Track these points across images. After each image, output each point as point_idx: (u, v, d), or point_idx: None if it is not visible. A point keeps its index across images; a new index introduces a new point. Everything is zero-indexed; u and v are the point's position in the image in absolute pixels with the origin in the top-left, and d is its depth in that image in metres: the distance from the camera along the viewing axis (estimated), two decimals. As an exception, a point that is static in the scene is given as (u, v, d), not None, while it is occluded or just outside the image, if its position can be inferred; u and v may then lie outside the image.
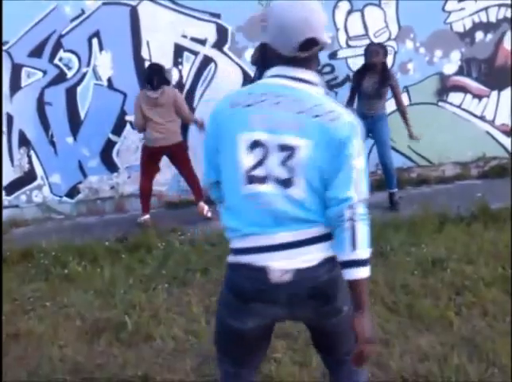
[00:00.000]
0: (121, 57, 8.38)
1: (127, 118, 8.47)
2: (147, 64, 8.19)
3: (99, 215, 8.63)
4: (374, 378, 3.67)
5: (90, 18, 8.26)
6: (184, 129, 8.15)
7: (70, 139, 8.59)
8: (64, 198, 8.78)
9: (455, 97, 9.00)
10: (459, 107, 9.03)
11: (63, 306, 5.37)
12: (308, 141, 2.33)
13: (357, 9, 8.56)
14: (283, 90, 2.40)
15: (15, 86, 8.37)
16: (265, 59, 7.08)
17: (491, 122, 9.13)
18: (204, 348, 4.32)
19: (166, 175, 8.51)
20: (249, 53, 8.16)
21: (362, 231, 2.36)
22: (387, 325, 4.50)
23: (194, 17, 8.38)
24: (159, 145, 7.57)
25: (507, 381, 3.74)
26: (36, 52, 8.29)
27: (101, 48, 8.34)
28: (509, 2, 8.76)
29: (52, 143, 8.58)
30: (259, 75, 7.10)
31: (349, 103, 7.43)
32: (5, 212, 8.48)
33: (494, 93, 9.05)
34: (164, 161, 8.01)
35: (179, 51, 8.47)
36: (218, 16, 8.41)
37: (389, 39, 8.68)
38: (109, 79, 8.44)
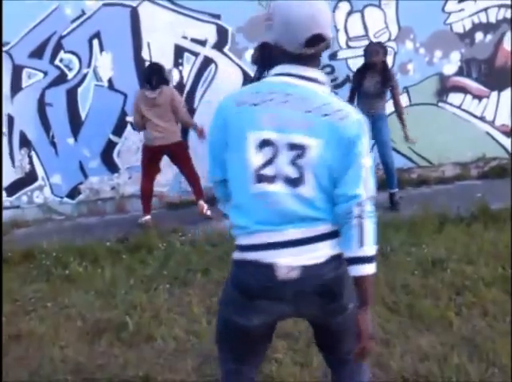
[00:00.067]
0: (121, 58, 8.39)
1: (128, 118, 8.48)
2: (147, 64, 8.21)
3: (100, 215, 8.64)
4: (374, 378, 3.67)
5: (90, 19, 8.28)
6: (185, 129, 8.17)
7: (71, 140, 8.60)
8: (65, 199, 8.79)
9: (455, 98, 9.01)
10: (459, 107, 9.04)
11: (64, 307, 5.38)
12: (317, 140, 2.34)
13: (357, 9, 8.57)
14: (290, 88, 2.40)
15: (16, 87, 8.39)
16: (265, 58, 7.17)
17: (491, 123, 9.14)
18: (205, 349, 4.33)
19: (167, 176, 8.52)
20: (249, 54, 8.15)
21: (370, 229, 2.39)
22: (388, 325, 4.50)
23: (194, 17, 8.40)
24: (158, 144, 7.58)
25: (507, 381, 3.75)
26: (37, 53, 8.31)
27: (101, 49, 8.36)
28: (509, 3, 8.77)
29: (53, 144, 8.60)
30: (259, 75, 7.11)
31: (349, 103, 7.42)
32: (7, 213, 8.49)
33: (494, 94, 9.06)
34: (165, 162, 8.03)
35: (179, 52, 8.48)
36: (218, 17, 8.42)
37: (389, 40, 8.69)
38: (109, 80, 8.46)
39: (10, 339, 4.76)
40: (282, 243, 2.39)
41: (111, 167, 8.77)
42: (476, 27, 8.85)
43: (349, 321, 2.54)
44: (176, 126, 7.69)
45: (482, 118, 9.11)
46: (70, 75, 8.42)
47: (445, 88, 8.96)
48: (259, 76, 7.06)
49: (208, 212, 7.71)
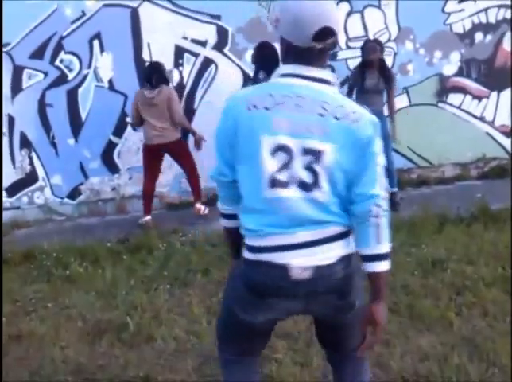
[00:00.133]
0: (122, 59, 8.41)
1: (128, 119, 8.48)
2: (148, 63, 8.23)
3: (101, 216, 8.65)
4: (375, 378, 3.67)
5: (90, 20, 8.30)
6: (185, 130, 8.19)
7: (71, 141, 8.61)
8: (66, 199, 8.80)
9: (454, 98, 9.02)
10: (458, 107, 9.05)
11: (64, 307, 5.38)
12: (332, 145, 2.35)
13: (357, 10, 8.59)
14: (302, 91, 2.37)
15: (16, 88, 8.40)
16: (264, 58, 7.15)
17: (491, 123, 9.15)
18: (205, 349, 4.33)
19: (167, 176, 8.54)
20: (249, 54, 8.16)
21: (385, 227, 2.44)
22: (388, 326, 4.50)
23: (194, 18, 8.41)
24: (156, 142, 7.61)
25: (508, 381, 3.75)
26: (37, 54, 8.32)
27: (102, 50, 8.37)
28: (508, 3, 8.78)
29: (54, 145, 8.61)
30: (256, 74, 7.12)
31: None
32: (7, 214, 8.50)
33: (494, 94, 9.07)
34: (166, 163, 8.04)
35: (179, 52, 8.49)
36: (218, 17, 8.44)
37: (388, 40, 8.70)
38: (110, 81, 8.47)
39: (11, 339, 4.76)
40: (295, 245, 2.42)
41: (112, 168, 8.78)
42: (476, 27, 8.86)
43: (356, 318, 2.60)
44: (173, 125, 7.70)
45: (481, 119, 9.13)
46: (70, 75, 8.43)
47: (445, 89, 8.98)
48: (257, 76, 7.09)
49: (206, 211, 7.74)
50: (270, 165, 2.37)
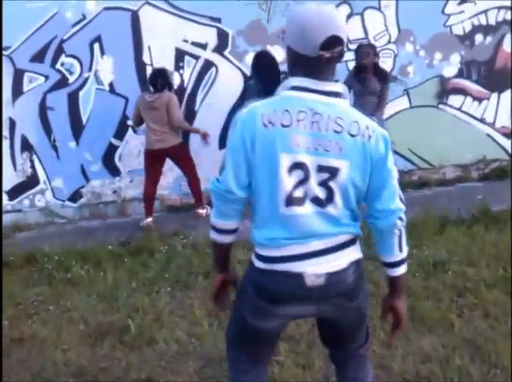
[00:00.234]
0: (122, 62, 8.41)
1: (129, 122, 8.49)
2: (148, 68, 8.31)
3: (102, 219, 8.65)
4: (376, 380, 3.67)
5: (91, 23, 8.30)
6: (186, 132, 8.20)
7: (72, 144, 8.62)
8: (67, 202, 8.80)
9: (455, 100, 9.02)
10: (459, 109, 9.05)
11: (66, 310, 5.38)
12: (348, 162, 2.39)
13: (357, 12, 8.59)
14: (318, 107, 2.38)
15: (17, 91, 8.41)
16: (263, 67, 7.18)
17: (491, 125, 9.15)
18: (207, 351, 4.34)
19: (168, 179, 8.54)
20: (249, 57, 8.18)
21: (405, 235, 2.62)
22: (389, 327, 4.50)
23: (195, 21, 8.41)
24: (157, 147, 7.67)
25: (509, 382, 3.76)
26: (38, 57, 8.32)
27: (102, 53, 8.38)
28: (508, 5, 8.78)
29: (55, 148, 8.61)
30: (257, 85, 7.15)
31: None
32: (8, 217, 8.50)
33: (494, 95, 9.08)
34: (167, 165, 8.06)
35: (180, 55, 8.50)
36: (218, 20, 8.44)
37: (389, 42, 8.71)
38: (110, 84, 8.48)
39: (13, 342, 4.77)
40: (308, 254, 2.48)
41: (113, 171, 8.79)
42: (476, 29, 8.87)
43: (362, 318, 2.77)
44: (173, 129, 7.72)
45: (482, 120, 9.13)
46: (71, 79, 8.44)
47: (445, 90, 8.98)
48: (257, 86, 7.12)
49: (209, 213, 7.75)
50: (287, 182, 2.40)
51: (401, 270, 2.66)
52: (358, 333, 2.84)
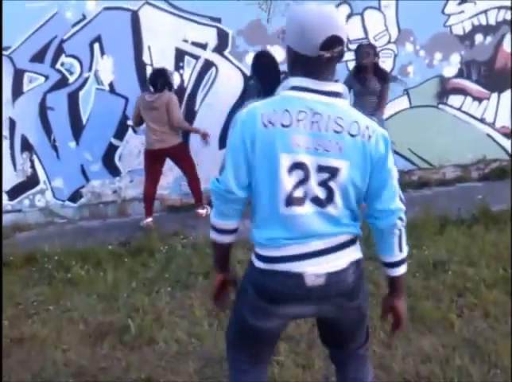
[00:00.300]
0: (122, 62, 8.41)
1: (129, 122, 8.49)
2: (148, 68, 8.31)
3: (102, 219, 8.65)
4: (376, 380, 3.67)
5: (91, 23, 8.30)
6: (186, 132, 8.21)
7: (72, 144, 8.62)
8: (67, 202, 8.80)
9: (455, 100, 9.02)
10: (459, 109, 9.05)
11: (66, 310, 5.38)
12: (348, 162, 2.40)
13: (357, 12, 8.58)
14: (318, 107, 2.38)
15: (17, 91, 8.41)
16: (263, 67, 7.19)
17: (491, 125, 9.15)
18: (207, 351, 4.34)
19: (168, 179, 8.54)
20: (249, 57, 8.18)
21: (405, 235, 2.63)
22: (389, 327, 4.50)
23: (195, 21, 8.41)
24: (157, 147, 7.68)
25: (509, 382, 3.76)
26: (38, 57, 8.32)
27: (102, 53, 8.38)
28: (508, 5, 8.78)
29: (55, 148, 8.61)
30: (257, 85, 7.16)
31: None
32: (8, 217, 8.50)
33: (494, 95, 9.07)
34: (167, 165, 8.06)
35: (180, 55, 8.50)
36: (218, 20, 8.44)
37: (389, 42, 8.71)
38: (110, 84, 8.48)
39: (13, 342, 4.77)
40: (308, 254, 2.48)
41: (113, 171, 8.79)
42: (476, 29, 8.87)
43: (362, 318, 2.78)
44: (173, 129, 7.73)
45: (482, 120, 9.13)
46: (71, 79, 8.44)
47: (445, 90, 8.98)
48: (257, 86, 7.13)
49: (209, 213, 7.76)
50: (287, 182, 2.40)
51: (401, 270, 2.66)
52: (358, 333, 2.84)
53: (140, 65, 8.44)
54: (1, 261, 6.37)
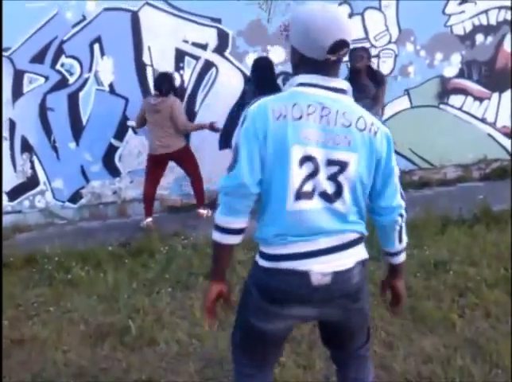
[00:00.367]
0: (122, 62, 8.40)
1: (129, 123, 8.49)
2: (149, 69, 8.29)
3: (102, 220, 8.64)
4: (377, 380, 3.67)
5: (91, 24, 8.29)
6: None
7: (72, 144, 8.61)
8: (67, 203, 8.80)
9: (456, 100, 9.01)
10: (460, 109, 9.04)
11: (66, 311, 5.38)
12: (356, 155, 2.42)
13: (357, 12, 8.57)
14: (326, 101, 2.40)
15: (17, 92, 8.40)
16: (263, 70, 7.20)
17: (492, 125, 9.14)
18: (208, 352, 4.34)
19: (168, 179, 8.52)
20: (249, 58, 8.18)
21: (404, 228, 2.73)
22: (390, 328, 4.50)
23: (195, 21, 8.40)
24: (161, 152, 7.70)
25: (511, 382, 3.75)
26: (38, 58, 8.32)
27: (102, 54, 8.37)
28: (509, 5, 8.78)
29: (55, 149, 8.60)
30: (253, 89, 7.17)
31: None
32: (8, 218, 8.50)
33: (495, 95, 9.07)
34: (167, 166, 8.05)
35: (180, 56, 8.49)
36: (218, 21, 8.43)
37: (389, 42, 8.70)
38: (111, 85, 8.47)
39: (13, 343, 4.76)
40: (315, 252, 2.48)
41: (113, 171, 8.78)
42: (477, 29, 8.86)
43: (364, 318, 2.79)
44: (177, 133, 7.73)
45: (483, 120, 9.12)
46: (71, 79, 8.43)
47: (446, 90, 8.97)
48: (256, 87, 7.15)
49: (210, 214, 7.77)
50: (297, 175, 2.39)
51: (401, 258, 2.80)
52: (359, 334, 2.84)
53: (140, 66, 8.44)
54: (1, 262, 6.37)
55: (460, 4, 8.74)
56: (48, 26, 8.23)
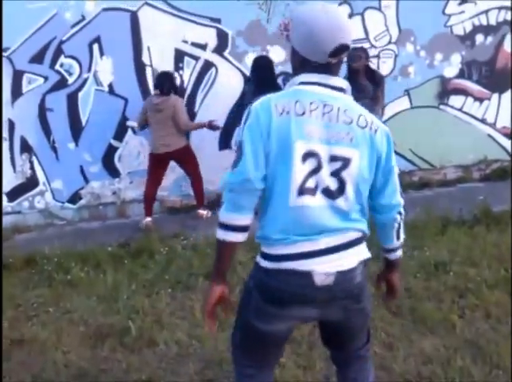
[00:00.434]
0: (122, 63, 8.40)
1: (129, 123, 8.48)
2: (148, 69, 8.33)
3: (101, 220, 8.63)
4: (377, 380, 3.66)
5: (90, 24, 8.29)
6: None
7: (72, 145, 8.60)
8: (66, 204, 8.79)
9: (456, 100, 9.01)
10: (460, 110, 9.04)
11: (66, 312, 5.37)
12: (358, 152, 2.44)
13: (357, 12, 8.57)
14: (328, 99, 2.43)
15: (16, 92, 8.39)
16: (263, 69, 7.20)
17: (492, 125, 9.14)
18: (208, 353, 4.33)
19: (168, 180, 8.51)
20: (249, 58, 8.17)
21: (402, 225, 2.76)
22: (390, 329, 4.49)
23: (194, 22, 8.40)
24: (163, 151, 7.70)
25: (511, 383, 3.75)
26: (37, 59, 8.31)
27: (102, 54, 8.36)
28: (509, 5, 8.77)
29: (54, 149, 8.59)
30: (253, 89, 7.16)
31: None
32: (8, 219, 8.49)
33: (495, 96, 9.06)
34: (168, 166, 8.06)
35: (179, 56, 8.48)
36: (218, 21, 8.42)
37: (389, 42, 8.70)
38: (110, 85, 8.46)
39: (13, 344, 4.75)
40: (317, 251, 2.47)
41: (112, 172, 8.77)
42: (477, 29, 8.86)
43: (365, 319, 2.79)
44: (179, 132, 7.73)
45: (483, 121, 9.12)
46: (70, 80, 8.42)
47: (446, 91, 8.97)
48: (257, 86, 7.13)
49: (209, 215, 7.78)
50: (300, 171, 2.39)
51: (398, 254, 2.85)
52: (360, 334, 2.84)
53: (139, 66, 8.43)
54: (1, 263, 6.35)
55: (460, 4, 8.75)
56: (47, 26, 8.22)
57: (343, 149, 2.41)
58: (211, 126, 7.86)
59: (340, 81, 2.49)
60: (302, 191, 2.40)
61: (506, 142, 9.18)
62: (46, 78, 8.39)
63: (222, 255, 2.60)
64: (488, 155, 9.11)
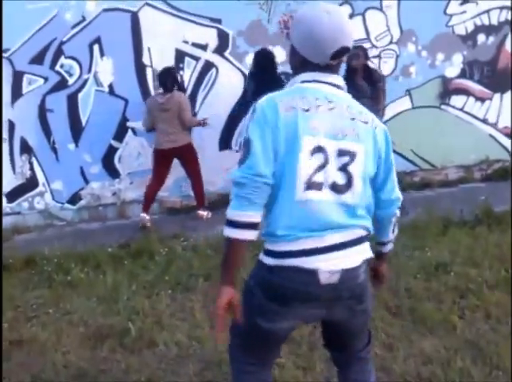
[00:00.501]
0: (122, 63, 8.40)
1: (129, 124, 8.48)
2: (148, 69, 8.33)
3: (101, 221, 8.63)
4: (377, 381, 3.65)
5: (91, 25, 8.30)
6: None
7: (72, 146, 8.60)
8: (66, 205, 8.79)
9: (457, 100, 9.00)
10: (461, 110, 9.03)
11: (66, 313, 5.36)
12: (364, 147, 2.47)
13: (358, 12, 8.57)
14: (331, 96, 2.46)
15: (16, 93, 8.40)
16: (263, 67, 7.18)
17: (494, 125, 9.13)
18: (207, 354, 4.31)
19: (168, 180, 8.50)
20: (250, 58, 8.17)
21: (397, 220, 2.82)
22: (390, 329, 4.48)
23: (195, 22, 8.41)
24: (168, 147, 7.73)
25: (511, 384, 3.73)
26: (38, 59, 8.32)
27: (102, 55, 8.37)
28: (510, 5, 8.76)
29: (54, 150, 8.60)
30: (257, 83, 7.15)
31: None
32: (8, 219, 8.49)
33: (497, 96, 9.06)
34: (169, 166, 8.07)
35: (180, 56, 8.49)
36: (218, 21, 8.43)
37: (390, 42, 8.69)
38: (110, 86, 8.46)
39: (12, 345, 4.74)
40: (323, 248, 2.45)
41: (112, 173, 8.77)
42: (478, 29, 8.85)
43: (367, 320, 2.80)
44: (184, 129, 7.76)
45: (484, 121, 9.11)
46: (70, 80, 8.43)
47: (448, 91, 8.96)
48: (257, 84, 7.12)
49: (209, 216, 7.77)
50: (308, 166, 2.39)
51: (389, 246, 2.92)
52: (361, 335, 2.85)
53: (140, 67, 8.44)
54: (0, 264, 6.35)
55: (462, 4, 8.74)
56: (47, 27, 8.24)
57: (349, 143, 2.43)
58: (202, 123, 7.92)
59: (338, 79, 2.52)
60: (309, 186, 2.39)
61: (507, 142, 9.17)
62: (46, 79, 8.40)
63: (230, 255, 2.47)
64: (490, 155, 9.10)
